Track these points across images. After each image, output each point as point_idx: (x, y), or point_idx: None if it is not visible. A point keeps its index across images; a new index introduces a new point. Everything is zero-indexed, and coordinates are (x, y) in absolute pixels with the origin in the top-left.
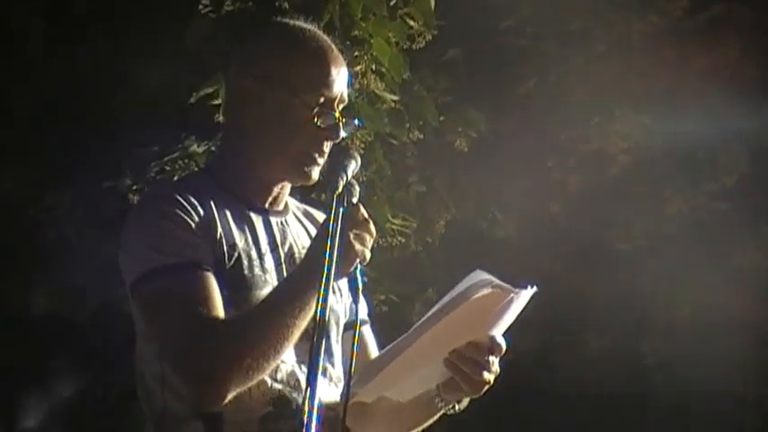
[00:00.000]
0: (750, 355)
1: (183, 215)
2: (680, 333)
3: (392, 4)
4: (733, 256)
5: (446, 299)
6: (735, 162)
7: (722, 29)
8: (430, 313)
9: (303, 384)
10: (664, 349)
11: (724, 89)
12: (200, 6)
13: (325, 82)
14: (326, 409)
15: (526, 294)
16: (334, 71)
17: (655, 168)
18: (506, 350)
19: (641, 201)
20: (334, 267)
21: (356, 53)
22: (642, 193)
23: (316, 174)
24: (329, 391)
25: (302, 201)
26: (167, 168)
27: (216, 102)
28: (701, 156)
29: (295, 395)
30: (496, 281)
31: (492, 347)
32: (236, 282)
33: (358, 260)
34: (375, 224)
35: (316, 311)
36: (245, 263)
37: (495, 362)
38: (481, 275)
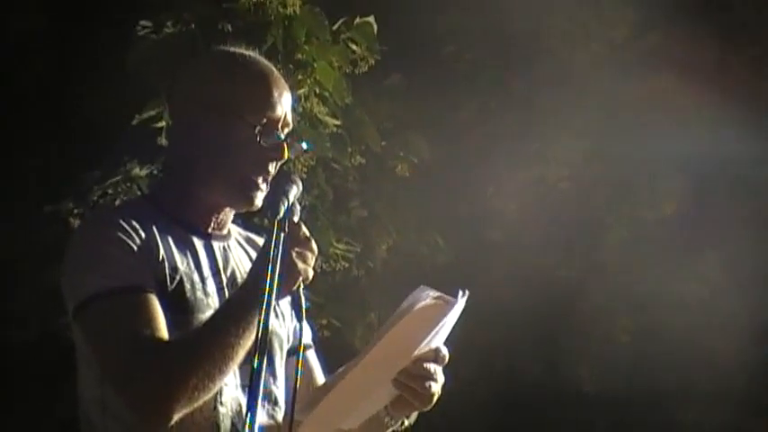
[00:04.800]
0: (688, 384)
1: (124, 238)
2: (620, 363)
3: (335, 28)
4: (673, 285)
5: (392, 317)
6: (674, 190)
7: (660, 57)
8: (377, 332)
9: (245, 409)
10: (603, 379)
11: (663, 117)
12: (139, 28)
13: (268, 103)
14: None
15: (462, 302)
16: (275, 92)
17: (595, 196)
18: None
19: (582, 228)
20: (276, 288)
21: (299, 77)
22: (582, 221)
23: (259, 200)
24: (273, 415)
25: (244, 227)
26: (110, 192)
27: (158, 124)
28: (641, 183)
29: (237, 420)
30: (437, 293)
31: (436, 358)
32: (178, 305)
33: (301, 278)
34: (318, 249)
35: (257, 335)
36: (188, 286)
37: (439, 372)
38: (425, 290)
